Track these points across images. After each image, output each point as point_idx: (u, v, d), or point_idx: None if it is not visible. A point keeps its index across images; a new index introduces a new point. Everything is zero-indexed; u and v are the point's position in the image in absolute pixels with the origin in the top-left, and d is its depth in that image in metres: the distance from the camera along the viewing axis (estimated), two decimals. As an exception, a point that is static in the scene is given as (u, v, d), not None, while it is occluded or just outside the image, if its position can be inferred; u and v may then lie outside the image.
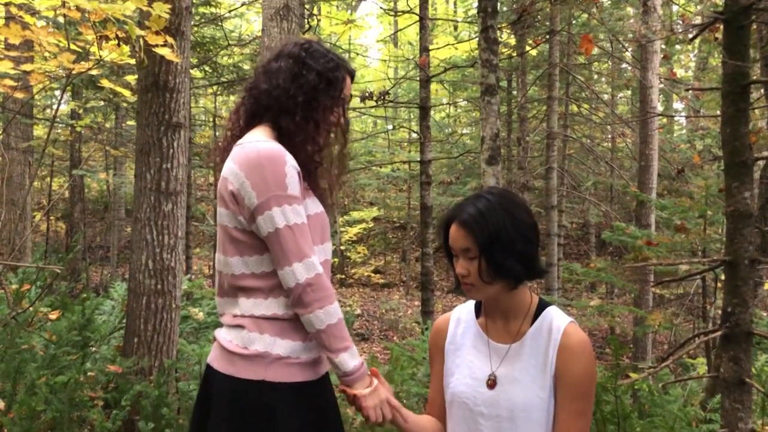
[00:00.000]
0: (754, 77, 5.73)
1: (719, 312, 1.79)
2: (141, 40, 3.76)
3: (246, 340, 1.88)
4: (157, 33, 3.77)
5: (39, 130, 14.14)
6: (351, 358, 1.87)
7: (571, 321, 1.79)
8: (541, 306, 1.83)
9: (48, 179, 16.51)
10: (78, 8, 3.53)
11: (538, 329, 1.78)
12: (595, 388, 1.82)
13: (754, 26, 4.52)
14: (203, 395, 2.02)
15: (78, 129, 10.95)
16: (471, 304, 1.95)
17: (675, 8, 12.19)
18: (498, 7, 3.70)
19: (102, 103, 12.36)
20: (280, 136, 1.98)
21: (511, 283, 1.76)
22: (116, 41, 3.77)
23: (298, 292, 1.83)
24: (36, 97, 10.75)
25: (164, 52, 3.84)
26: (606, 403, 3.04)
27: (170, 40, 3.87)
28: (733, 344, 1.78)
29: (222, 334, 1.97)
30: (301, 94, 1.99)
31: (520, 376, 1.76)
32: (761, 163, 5.16)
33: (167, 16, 3.75)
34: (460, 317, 1.96)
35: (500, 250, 1.70)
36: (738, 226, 1.79)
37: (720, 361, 1.84)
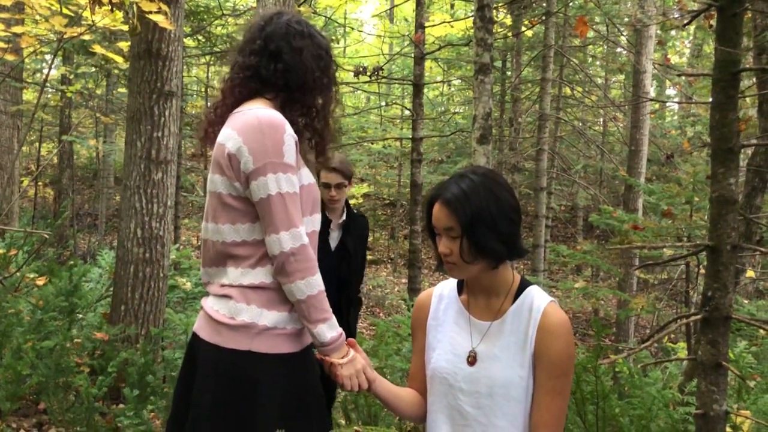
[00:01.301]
0: (747, 65, 5.75)
1: (701, 297, 1.84)
2: (135, 6, 3.73)
3: (233, 311, 1.90)
4: (150, 0, 3.74)
5: (29, 95, 13.99)
6: (329, 329, 1.91)
7: (552, 301, 1.81)
8: (523, 285, 1.85)
9: (37, 144, 16.37)
10: (71, -28, 3.49)
11: (519, 308, 1.81)
12: (574, 367, 1.85)
13: (749, 15, 4.53)
14: (188, 363, 2.04)
15: (68, 94, 10.85)
16: (453, 280, 1.97)
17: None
18: (494, -14, 3.69)
19: (93, 69, 12.22)
20: (283, 110, 2.00)
21: (492, 263, 1.78)
22: (109, 7, 3.73)
23: (281, 261, 1.85)
24: (26, 60, 10.62)
25: (158, 19, 3.81)
26: (586, 383, 3.09)
27: (164, 7, 3.84)
28: (712, 328, 1.82)
29: (209, 304, 1.98)
30: (325, 76, 2.07)
31: (500, 354, 1.79)
32: (749, 151, 5.20)
33: (161, -17, 3.72)
34: (443, 293, 1.98)
35: (482, 230, 1.71)
36: (721, 212, 1.82)
37: (699, 344, 1.88)
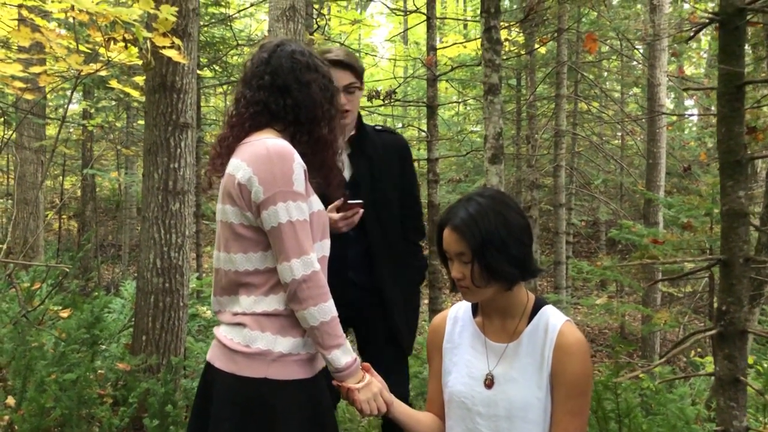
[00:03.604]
0: (763, 75, 5.71)
1: (716, 311, 1.83)
2: (148, 42, 3.80)
3: (248, 339, 1.92)
4: (164, 35, 3.81)
5: (51, 130, 14.25)
6: (343, 355, 1.91)
7: (567, 320, 1.81)
8: (538, 305, 1.85)
9: (60, 178, 16.63)
10: (86, 11, 3.58)
11: (535, 328, 1.80)
12: (592, 386, 1.84)
13: (761, 25, 4.51)
14: (203, 393, 2.05)
15: (89, 128, 11.04)
16: (468, 302, 1.97)
17: (686, 6, 12.14)
18: (500, 7, 3.72)
19: (113, 102, 12.45)
20: (291, 142, 2.03)
21: (505, 285, 1.78)
22: (123, 43, 3.81)
23: (293, 288, 1.87)
24: (49, 97, 10.85)
25: (171, 53, 3.88)
26: (608, 401, 3.06)
27: (177, 41, 3.91)
28: (728, 342, 1.80)
29: (222, 332, 2.00)
30: (332, 107, 2.11)
31: (518, 376, 1.78)
32: (763, 160, 5.14)
33: (174, 18, 3.79)
34: (457, 316, 1.99)
35: (493, 254, 1.72)
36: (733, 225, 1.81)
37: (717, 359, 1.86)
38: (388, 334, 2.77)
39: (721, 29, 1.81)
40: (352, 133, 2.78)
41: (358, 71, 2.73)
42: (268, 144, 1.94)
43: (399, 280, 2.78)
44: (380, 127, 2.95)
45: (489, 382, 1.82)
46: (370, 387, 1.94)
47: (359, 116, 2.82)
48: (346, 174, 2.75)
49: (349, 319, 2.73)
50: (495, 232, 1.72)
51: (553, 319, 1.80)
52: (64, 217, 17.50)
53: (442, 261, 1.86)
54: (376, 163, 2.78)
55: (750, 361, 4.27)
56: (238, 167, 1.94)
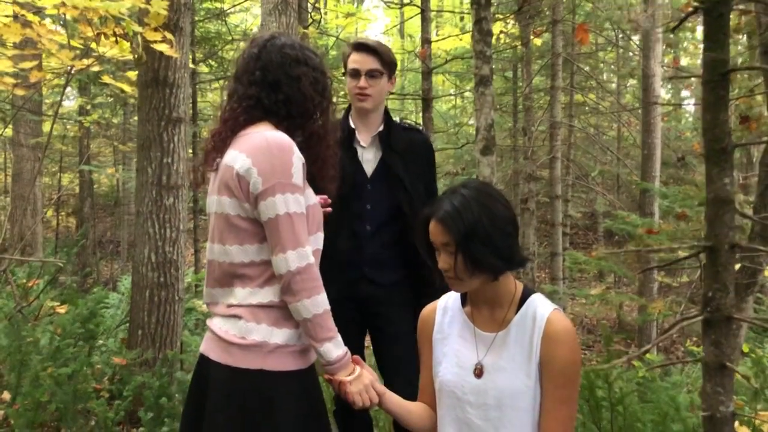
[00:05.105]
0: (756, 64, 5.69)
1: (702, 298, 1.84)
2: (139, 36, 3.80)
3: (244, 330, 1.92)
4: (155, 29, 3.81)
5: (48, 127, 14.24)
6: (335, 348, 1.92)
7: (555, 308, 1.82)
8: (526, 294, 1.86)
9: (58, 175, 16.63)
10: (75, 6, 3.58)
11: (523, 317, 1.81)
12: (580, 374, 1.85)
13: (752, 13, 4.51)
14: (197, 386, 2.06)
15: (86, 125, 11.03)
16: (457, 293, 1.98)
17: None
18: (492, -2, 3.72)
19: (110, 99, 12.44)
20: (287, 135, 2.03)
21: (491, 276, 1.79)
22: (114, 38, 3.80)
23: (287, 280, 1.88)
24: (45, 93, 10.83)
25: (163, 48, 3.88)
26: (600, 389, 3.08)
27: (169, 36, 3.91)
28: (714, 329, 1.81)
29: (217, 324, 2.00)
30: (324, 99, 2.10)
31: (507, 365, 1.79)
32: (758, 149, 5.13)
33: (165, 12, 3.79)
34: (447, 306, 1.99)
35: (478, 245, 1.72)
36: (718, 212, 1.82)
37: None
38: (410, 331, 2.72)
39: (706, 17, 1.82)
40: (381, 129, 2.78)
41: (384, 59, 2.73)
42: (267, 136, 1.95)
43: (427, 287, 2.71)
44: (407, 125, 2.96)
45: (478, 372, 1.83)
46: (361, 379, 1.95)
47: (387, 112, 2.82)
48: (368, 168, 2.77)
49: (363, 316, 2.80)
50: (479, 224, 1.73)
51: (541, 307, 1.81)
52: (62, 213, 17.49)
53: (428, 253, 1.86)
54: (407, 162, 2.77)
55: (745, 349, 4.28)
56: (237, 158, 1.94)
